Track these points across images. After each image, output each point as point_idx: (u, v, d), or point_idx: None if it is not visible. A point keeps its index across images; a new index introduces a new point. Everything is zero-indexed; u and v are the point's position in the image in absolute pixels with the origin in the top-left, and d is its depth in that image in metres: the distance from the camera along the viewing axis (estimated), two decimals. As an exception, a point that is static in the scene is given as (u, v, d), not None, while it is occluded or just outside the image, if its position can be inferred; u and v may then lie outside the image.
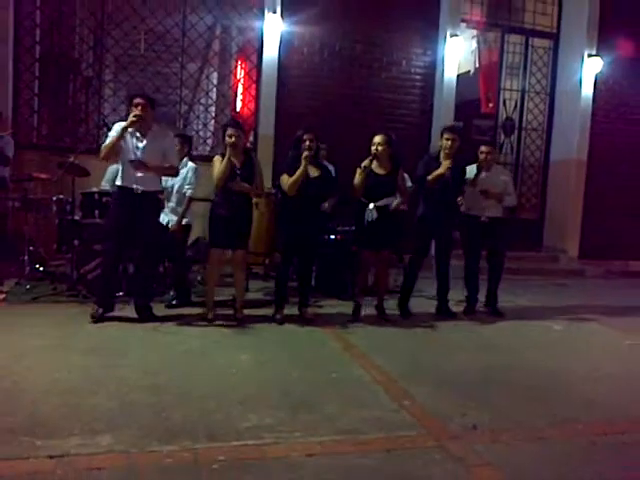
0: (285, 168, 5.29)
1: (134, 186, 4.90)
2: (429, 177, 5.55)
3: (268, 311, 5.55)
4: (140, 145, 4.93)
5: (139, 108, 4.79)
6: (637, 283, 9.14)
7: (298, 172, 5.14)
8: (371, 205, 5.34)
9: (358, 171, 5.38)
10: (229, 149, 5.01)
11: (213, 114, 8.94)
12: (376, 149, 5.37)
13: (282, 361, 4.31)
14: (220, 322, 5.17)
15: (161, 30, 8.04)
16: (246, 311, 5.49)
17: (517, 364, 4.60)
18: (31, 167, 6.12)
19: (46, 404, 3.27)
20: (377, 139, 5.39)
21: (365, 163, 5.30)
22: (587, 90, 9.69)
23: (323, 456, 2.90)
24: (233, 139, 5.01)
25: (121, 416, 3.18)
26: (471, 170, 5.96)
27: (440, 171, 5.52)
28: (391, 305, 5.92)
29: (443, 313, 5.96)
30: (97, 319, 4.90)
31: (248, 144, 8.55)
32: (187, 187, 5.71)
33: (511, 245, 7.22)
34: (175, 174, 5.26)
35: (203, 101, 8.96)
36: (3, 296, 5.55)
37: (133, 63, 8.12)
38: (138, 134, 4.92)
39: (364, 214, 5.35)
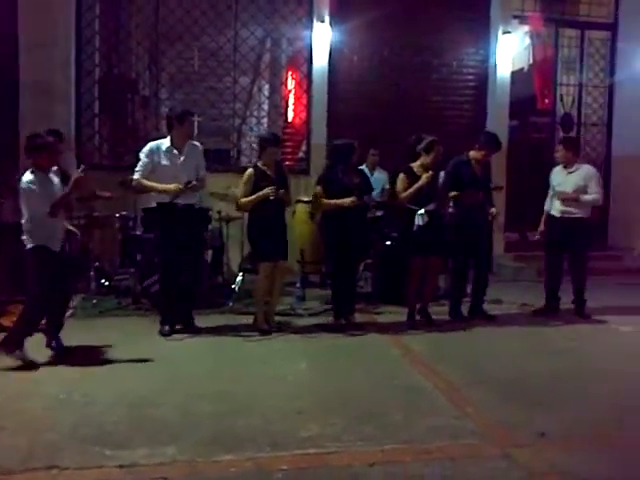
0: (321, 180, 5.40)
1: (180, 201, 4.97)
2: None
3: (327, 319, 5.57)
4: (179, 161, 5.01)
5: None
6: None
7: (334, 202, 5.23)
8: (422, 210, 5.28)
9: (402, 177, 5.40)
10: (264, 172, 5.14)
11: (266, 125, 9.05)
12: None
13: (341, 369, 4.31)
14: (277, 332, 5.21)
15: (214, 46, 8.20)
16: (304, 320, 5.57)
17: (584, 368, 4.45)
18: (94, 186, 6.34)
19: (114, 415, 3.38)
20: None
21: (426, 176, 5.30)
22: (648, 81, 9.30)
23: (386, 465, 2.88)
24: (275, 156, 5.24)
25: (185, 426, 3.25)
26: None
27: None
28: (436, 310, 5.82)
29: (476, 314, 5.84)
30: (166, 334, 5.02)
31: (301, 153, 8.64)
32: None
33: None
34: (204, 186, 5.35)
35: (256, 113, 9.09)
36: (71, 311, 5.77)
37: (187, 80, 8.32)
38: (175, 151, 5.00)
39: (412, 219, 5.29)
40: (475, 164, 5.76)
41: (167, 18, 8.01)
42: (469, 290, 5.95)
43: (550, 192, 6.08)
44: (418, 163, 5.44)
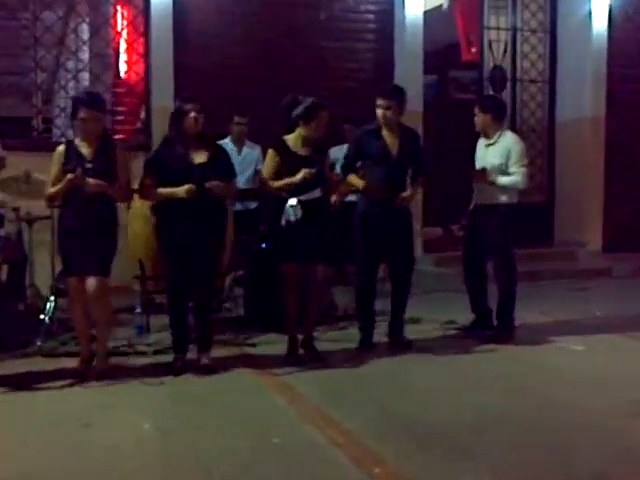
0: (149, 159, 5.36)
1: None
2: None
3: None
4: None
5: None
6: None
7: (165, 192, 5.15)
8: (293, 200, 5.31)
9: (271, 154, 5.45)
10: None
11: (87, 82, 8.80)
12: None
13: (203, 426, 4.27)
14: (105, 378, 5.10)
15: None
16: (147, 359, 5.51)
17: (524, 403, 4.66)
18: None
19: None
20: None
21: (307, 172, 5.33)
22: (600, 24, 9.99)
23: None
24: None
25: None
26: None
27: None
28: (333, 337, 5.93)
29: (394, 341, 6.04)
30: None
31: (138, 122, 8.49)
32: None
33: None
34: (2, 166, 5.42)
35: (71, 66, 8.81)
36: None
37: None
38: None
39: (280, 212, 5.36)
40: None
41: None
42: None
43: None
44: (295, 135, 5.49)
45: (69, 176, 4.94)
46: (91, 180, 4.99)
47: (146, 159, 5.41)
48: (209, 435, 4.13)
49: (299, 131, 5.47)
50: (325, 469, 3.68)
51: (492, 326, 6.32)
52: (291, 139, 5.50)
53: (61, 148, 5.15)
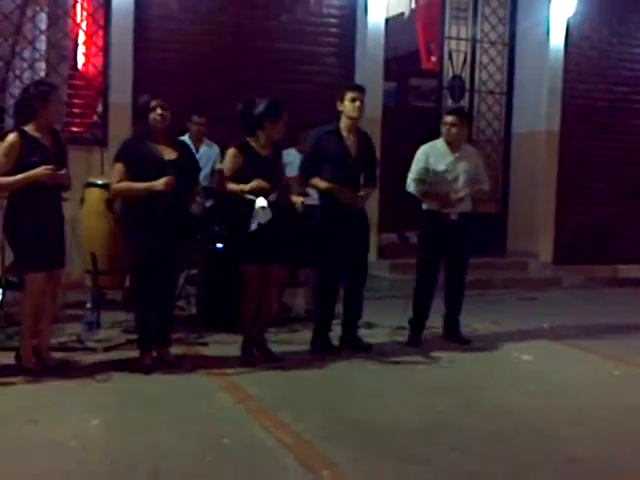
0: (122, 154, 5.24)
1: None
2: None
3: (131, 354, 5.47)
4: None
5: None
6: (628, 294, 9.64)
7: (142, 186, 5.11)
8: (261, 201, 5.30)
9: (232, 153, 5.44)
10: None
11: (42, 73, 8.69)
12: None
13: (149, 425, 4.24)
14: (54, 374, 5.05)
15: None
16: (99, 355, 5.44)
17: (473, 409, 4.74)
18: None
19: None
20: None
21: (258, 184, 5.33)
22: (557, 39, 10.19)
23: None
24: None
25: None
26: (434, 147, 6.28)
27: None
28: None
29: (348, 344, 6.08)
30: None
31: (94, 116, 8.40)
32: None
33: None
34: None
35: (27, 55, 8.68)
36: None
37: None
38: None
39: (247, 215, 5.33)
40: None
41: None
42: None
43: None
44: (257, 136, 5.48)
45: (43, 169, 4.81)
46: (63, 171, 4.95)
47: (118, 153, 5.28)
48: (157, 434, 4.11)
49: (262, 132, 5.47)
50: (273, 470, 3.69)
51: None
52: (253, 140, 5.50)
53: (14, 137, 4.92)
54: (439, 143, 6.30)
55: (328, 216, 5.88)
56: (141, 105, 5.28)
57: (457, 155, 6.23)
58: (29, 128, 4.98)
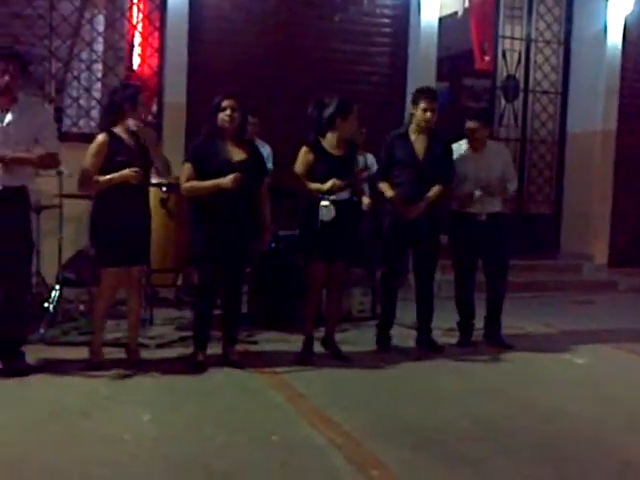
0: (191, 154, 5.31)
1: None
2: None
3: (184, 351, 5.54)
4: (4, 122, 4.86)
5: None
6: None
7: (210, 183, 5.13)
8: (325, 201, 5.34)
9: (305, 151, 5.46)
10: None
11: (99, 74, 8.83)
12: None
13: (202, 422, 4.27)
14: (112, 369, 5.11)
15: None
16: (152, 352, 5.51)
17: (525, 413, 4.69)
18: None
19: None
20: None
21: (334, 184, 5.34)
22: (614, 37, 9.97)
23: None
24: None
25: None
26: (458, 148, 6.16)
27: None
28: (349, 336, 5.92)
29: (425, 346, 6.07)
30: None
31: (149, 116, 8.51)
32: None
33: (517, 251, 7.35)
34: (56, 164, 5.24)
35: (85, 56, 8.83)
36: None
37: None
38: None
39: (315, 213, 5.37)
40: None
41: None
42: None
43: None
44: (329, 135, 5.49)
45: (130, 171, 4.92)
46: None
47: (189, 154, 5.36)
48: (208, 430, 4.14)
49: (334, 131, 5.47)
50: (322, 469, 3.69)
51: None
52: (325, 139, 5.50)
53: (104, 138, 5.06)
54: (463, 143, 6.24)
55: (392, 221, 5.93)
56: (213, 105, 5.28)
57: (480, 155, 6.18)
58: (117, 129, 5.10)
